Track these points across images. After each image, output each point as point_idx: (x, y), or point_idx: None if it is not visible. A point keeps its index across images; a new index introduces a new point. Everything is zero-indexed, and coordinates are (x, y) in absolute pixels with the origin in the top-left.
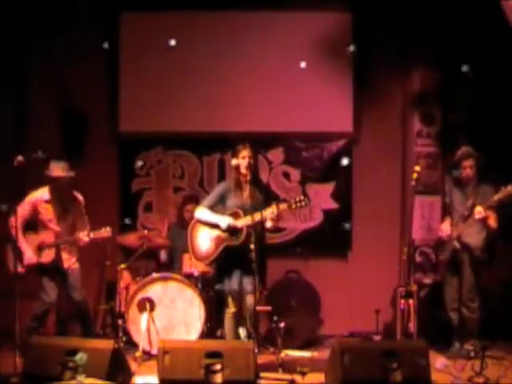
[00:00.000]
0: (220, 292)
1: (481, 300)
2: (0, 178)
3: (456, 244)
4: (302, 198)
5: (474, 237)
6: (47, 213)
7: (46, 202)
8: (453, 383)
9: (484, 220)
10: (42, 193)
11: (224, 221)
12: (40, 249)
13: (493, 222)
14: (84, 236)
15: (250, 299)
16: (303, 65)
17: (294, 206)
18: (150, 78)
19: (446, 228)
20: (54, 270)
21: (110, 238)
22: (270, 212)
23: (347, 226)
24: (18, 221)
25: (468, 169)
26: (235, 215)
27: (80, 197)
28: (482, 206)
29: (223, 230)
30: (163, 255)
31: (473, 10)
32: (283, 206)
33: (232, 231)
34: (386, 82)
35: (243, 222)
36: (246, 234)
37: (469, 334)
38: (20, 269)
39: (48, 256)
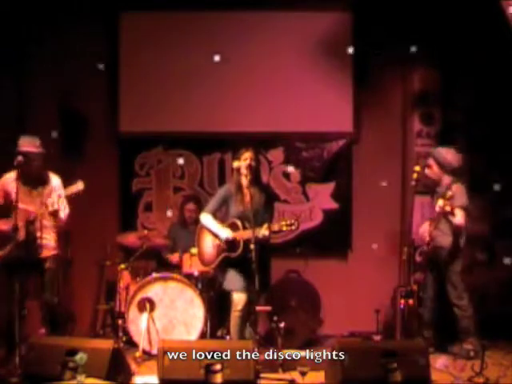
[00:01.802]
0: (222, 292)
1: (471, 297)
2: (0, 178)
3: (431, 245)
4: (293, 221)
5: (444, 237)
6: (16, 192)
7: (14, 180)
8: (453, 383)
9: (445, 214)
10: (12, 173)
11: (223, 233)
12: (13, 231)
13: (456, 218)
14: (51, 200)
15: (249, 298)
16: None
17: (284, 228)
18: (150, 78)
19: (422, 231)
20: (26, 263)
21: (112, 239)
22: (261, 233)
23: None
24: None
25: (426, 167)
26: (233, 226)
27: (54, 179)
28: (443, 199)
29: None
30: (174, 258)
31: (473, 10)
32: (274, 227)
33: (230, 245)
34: (386, 82)
35: (240, 235)
36: (244, 246)
37: (465, 333)
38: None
39: (21, 235)
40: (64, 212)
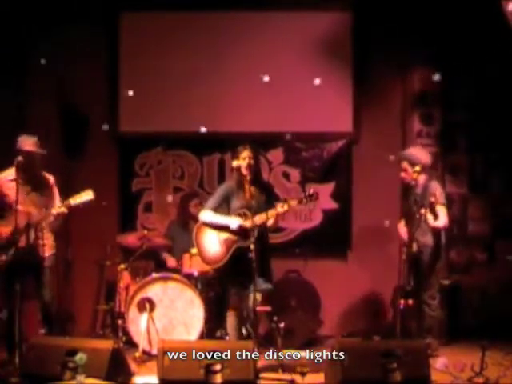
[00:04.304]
0: (221, 292)
1: (442, 298)
2: None
3: (412, 244)
4: (311, 193)
5: (426, 236)
6: (13, 193)
7: (11, 180)
8: (453, 383)
9: (424, 218)
10: (8, 173)
11: (234, 222)
12: (15, 234)
13: (440, 219)
14: (60, 208)
15: (249, 299)
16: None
17: (304, 201)
18: (150, 78)
19: (402, 231)
20: (26, 264)
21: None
22: (280, 209)
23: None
24: None
25: (402, 172)
26: (243, 216)
27: (51, 178)
28: (425, 208)
29: (233, 232)
30: (170, 262)
31: (473, 9)
32: (294, 201)
33: (242, 232)
34: (386, 82)
35: (253, 221)
36: (257, 232)
37: (427, 332)
38: (2, 259)
39: (23, 238)
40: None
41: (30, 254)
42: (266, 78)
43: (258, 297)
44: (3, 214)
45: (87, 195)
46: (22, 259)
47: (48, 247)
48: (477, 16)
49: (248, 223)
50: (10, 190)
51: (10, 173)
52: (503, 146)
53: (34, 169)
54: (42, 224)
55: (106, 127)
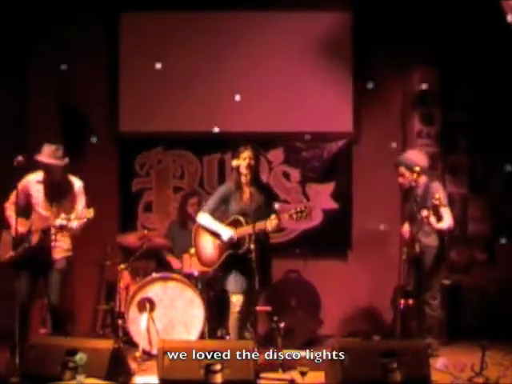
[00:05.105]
0: (222, 292)
1: (442, 298)
2: (0, 178)
3: (415, 245)
4: (302, 208)
5: (429, 238)
6: (38, 195)
7: (39, 182)
8: (453, 383)
9: (427, 220)
10: (37, 174)
11: (226, 234)
12: (29, 233)
13: (444, 222)
14: (63, 221)
15: (249, 299)
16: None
17: (294, 217)
18: (150, 78)
19: (405, 230)
20: (36, 263)
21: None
22: (270, 223)
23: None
24: (10, 206)
25: (399, 177)
26: (236, 223)
27: (77, 183)
28: (428, 209)
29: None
30: (175, 264)
31: (473, 9)
32: (284, 216)
33: (234, 242)
34: (386, 81)
35: (244, 230)
36: (249, 242)
37: (428, 331)
38: (10, 254)
39: (34, 239)
40: (80, 222)
41: (39, 254)
42: (371, 85)
43: (251, 297)
44: (28, 213)
45: (88, 213)
46: (31, 257)
47: (60, 250)
48: (477, 16)
49: (239, 231)
50: (36, 192)
51: (39, 174)
52: (503, 146)
53: (54, 179)
54: (52, 229)
55: None
